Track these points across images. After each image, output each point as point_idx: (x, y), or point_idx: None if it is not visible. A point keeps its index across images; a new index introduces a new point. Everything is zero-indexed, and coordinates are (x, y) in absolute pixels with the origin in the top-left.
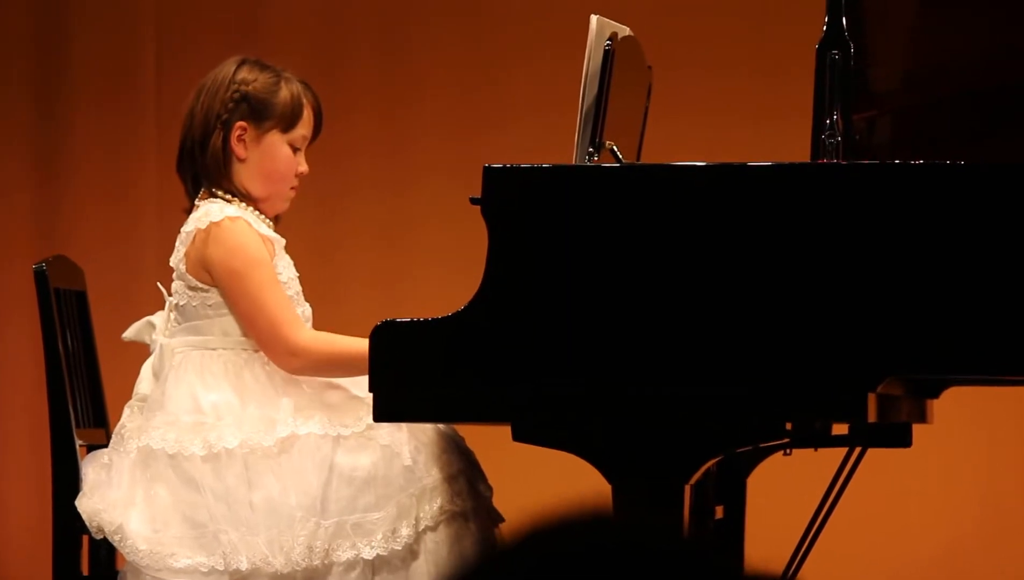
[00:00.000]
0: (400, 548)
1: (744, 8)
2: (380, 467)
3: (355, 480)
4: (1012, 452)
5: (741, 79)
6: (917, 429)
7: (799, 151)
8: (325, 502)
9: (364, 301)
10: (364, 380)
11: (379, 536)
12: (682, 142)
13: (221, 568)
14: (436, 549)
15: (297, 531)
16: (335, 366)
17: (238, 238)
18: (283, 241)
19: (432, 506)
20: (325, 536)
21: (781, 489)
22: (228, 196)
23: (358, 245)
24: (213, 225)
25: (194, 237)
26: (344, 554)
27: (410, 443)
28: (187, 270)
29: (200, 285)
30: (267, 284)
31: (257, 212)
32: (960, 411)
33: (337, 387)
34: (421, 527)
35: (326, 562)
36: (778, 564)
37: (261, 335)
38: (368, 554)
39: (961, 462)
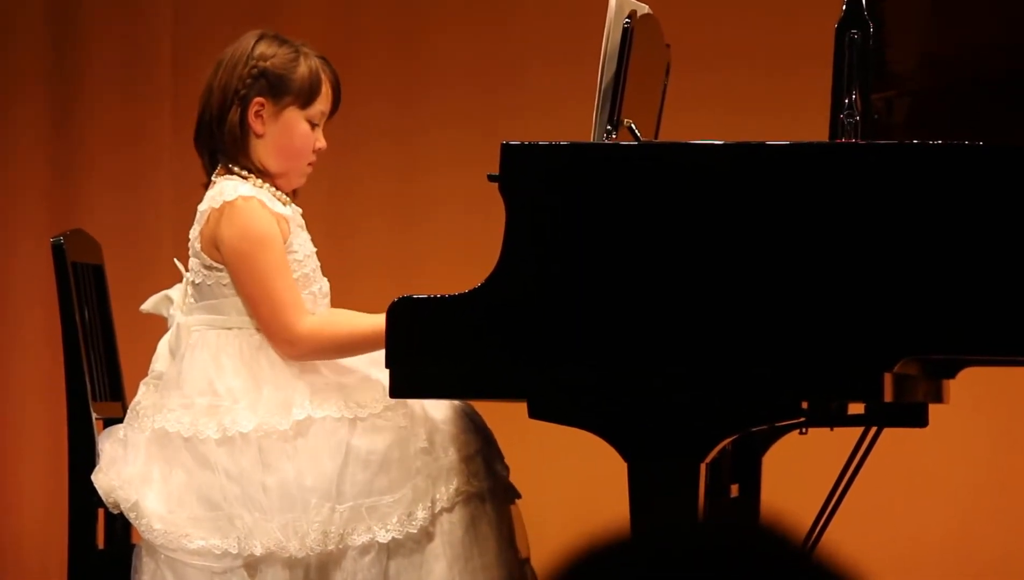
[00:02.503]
0: (416, 531)
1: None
2: (396, 449)
3: (371, 463)
4: None
5: (758, 69)
6: (933, 409)
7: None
8: (340, 486)
9: (378, 283)
10: (381, 359)
11: (394, 519)
12: (697, 132)
13: (235, 551)
14: (452, 530)
15: (312, 516)
16: (335, 352)
17: (248, 219)
18: (300, 215)
19: (448, 488)
20: (340, 521)
21: (797, 468)
22: (244, 172)
23: (372, 228)
24: (226, 204)
25: (208, 216)
26: (359, 538)
27: (426, 424)
28: (202, 249)
29: (215, 264)
30: (274, 268)
31: (273, 188)
32: (977, 391)
33: (353, 369)
34: (437, 509)
35: (341, 547)
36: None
37: (262, 319)
38: (383, 537)
39: (977, 442)
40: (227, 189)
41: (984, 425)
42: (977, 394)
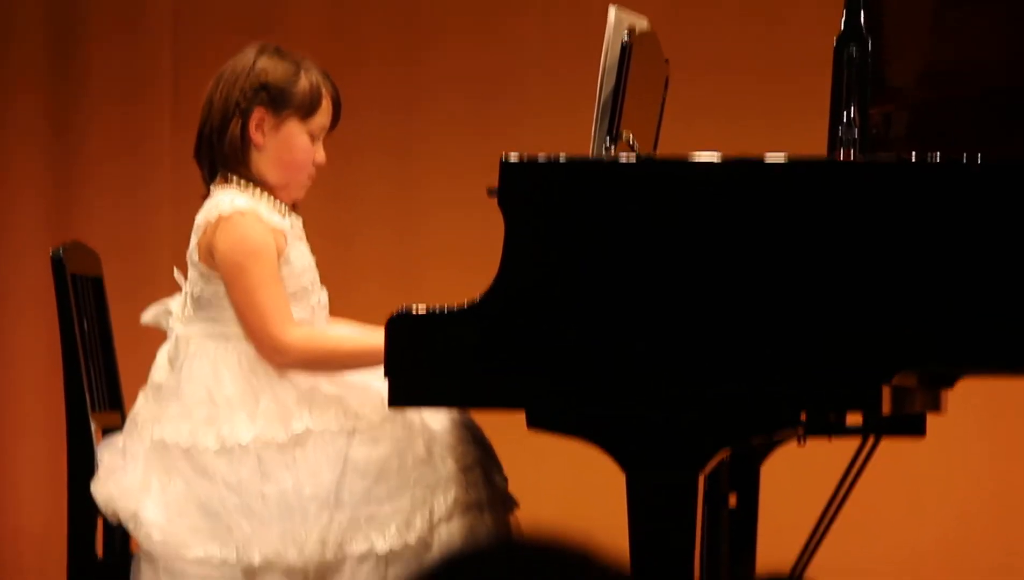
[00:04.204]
0: (413, 541)
1: (759, 7)
2: (394, 459)
3: (369, 473)
4: None
5: (755, 79)
6: (931, 418)
7: (814, 151)
8: (339, 495)
9: (376, 291)
10: (379, 370)
11: (392, 529)
12: (695, 142)
13: (234, 560)
14: (449, 540)
15: (310, 525)
16: (322, 364)
17: (243, 232)
18: (299, 227)
19: (447, 497)
20: (338, 530)
21: (795, 477)
22: (244, 182)
23: (371, 235)
24: (222, 217)
25: (205, 228)
26: (358, 547)
27: (424, 435)
28: (199, 259)
29: (213, 275)
30: (264, 281)
31: (273, 199)
32: (975, 400)
33: (351, 379)
34: (435, 519)
35: (339, 555)
36: (791, 552)
37: (250, 329)
38: (381, 547)
39: (975, 451)
40: (223, 201)
41: (982, 434)
42: (975, 403)
